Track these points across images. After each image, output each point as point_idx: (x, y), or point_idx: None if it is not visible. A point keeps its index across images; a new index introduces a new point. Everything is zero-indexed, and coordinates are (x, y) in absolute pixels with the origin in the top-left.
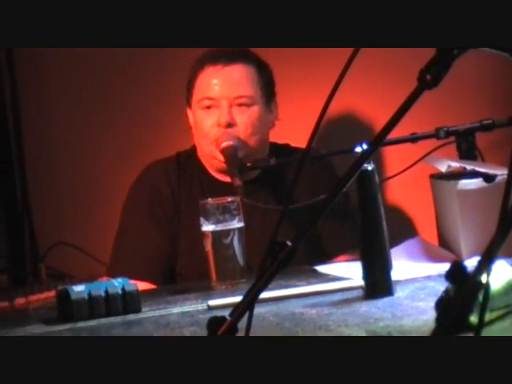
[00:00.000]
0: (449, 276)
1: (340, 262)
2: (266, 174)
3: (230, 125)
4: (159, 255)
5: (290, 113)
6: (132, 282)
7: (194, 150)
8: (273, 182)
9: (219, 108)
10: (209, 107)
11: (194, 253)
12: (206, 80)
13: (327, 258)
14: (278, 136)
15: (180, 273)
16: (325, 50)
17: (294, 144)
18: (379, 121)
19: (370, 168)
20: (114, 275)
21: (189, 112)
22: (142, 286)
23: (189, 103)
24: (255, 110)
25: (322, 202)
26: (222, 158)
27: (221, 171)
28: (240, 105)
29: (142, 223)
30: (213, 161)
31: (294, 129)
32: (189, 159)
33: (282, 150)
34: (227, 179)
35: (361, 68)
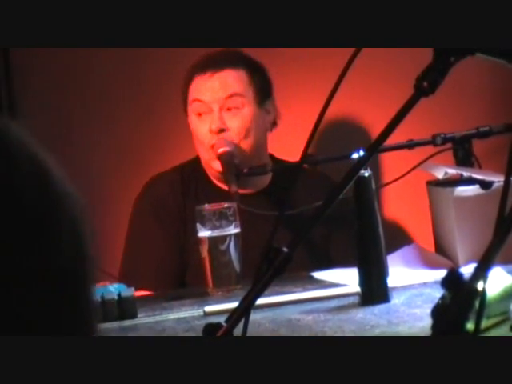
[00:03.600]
0: (445, 283)
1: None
2: (275, 185)
3: (221, 130)
4: (168, 266)
5: (287, 119)
6: (143, 292)
7: (197, 159)
8: (281, 193)
9: (211, 114)
10: (200, 114)
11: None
12: (196, 86)
13: (334, 266)
14: (275, 142)
15: (189, 282)
16: (322, 55)
17: (293, 153)
18: (376, 127)
19: (366, 174)
20: None
21: (189, 121)
22: None
23: (186, 112)
24: (247, 112)
25: (319, 208)
26: (218, 164)
27: (219, 179)
28: (230, 108)
29: (149, 235)
30: (210, 169)
31: (292, 135)
32: (193, 169)
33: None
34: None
35: (357, 73)
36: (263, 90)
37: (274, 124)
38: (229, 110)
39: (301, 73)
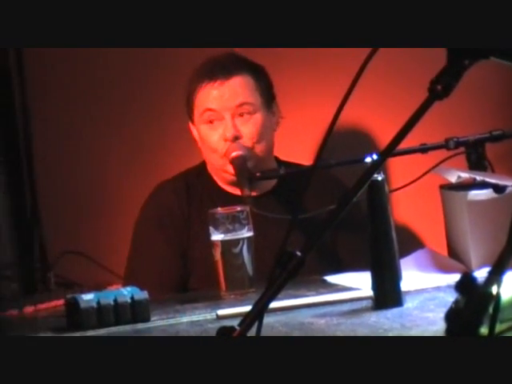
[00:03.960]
0: (459, 287)
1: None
2: (280, 187)
3: (236, 138)
4: (172, 273)
5: (291, 121)
6: None
7: (203, 165)
8: (286, 195)
9: (223, 121)
10: (212, 121)
11: (205, 268)
12: (205, 94)
13: (343, 269)
14: (282, 146)
15: (192, 288)
16: (329, 56)
17: (300, 155)
18: (388, 131)
19: (379, 178)
20: None
21: (192, 127)
22: None
23: (191, 118)
24: (258, 117)
25: (332, 212)
26: (232, 169)
27: (231, 184)
28: (242, 114)
29: (154, 242)
30: (223, 174)
31: (299, 138)
32: (198, 175)
33: (293, 168)
34: (238, 192)
35: (369, 78)
36: (268, 94)
37: (277, 124)
38: (241, 115)
39: (305, 74)
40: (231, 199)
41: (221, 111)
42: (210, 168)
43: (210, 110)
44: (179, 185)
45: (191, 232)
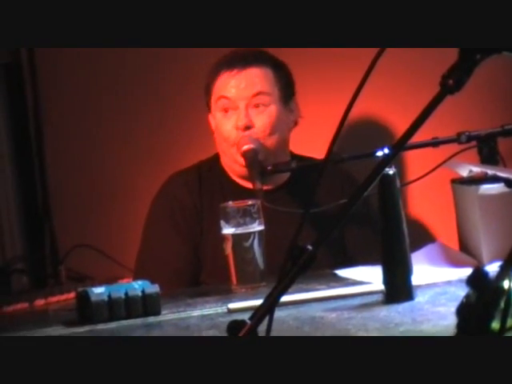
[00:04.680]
0: (470, 281)
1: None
2: (293, 181)
3: (247, 127)
4: (183, 266)
5: (310, 118)
6: None
7: (216, 157)
8: (299, 189)
9: (237, 110)
10: (226, 110)
11: (217, 262)
12: (222, 82)
13: (352, 263)
14: (298, 141)
15: (204, 282)
16: (343, 54)
17: (315, 150)
18: (399, 125)
19: (391, 172)
20: None
21: (210, 117)
22: None
23: (209, 108)
24: (273, 109)
25: (344, 206)
26: (243, 161)
27: (242, 176)
28: (257, 105)
29: (165, 235)
30: (234, 165)
31: (315, 134)
32: (211, 167)
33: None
34: (251, 185)
35: (380, 72)
36: (287, 89)
37: (295, 123)
38: (255, 106)
39: (319, 71)
40: (244, 193)
41: (236, 100)
42: (222, 161)
43: (225, 97)
44: (192, 177)
45: (203, 225)
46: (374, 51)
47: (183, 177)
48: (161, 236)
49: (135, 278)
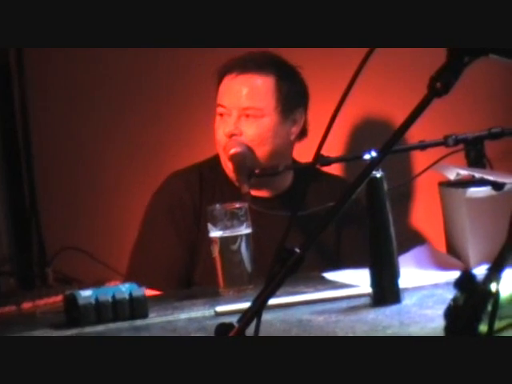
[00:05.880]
0: (458, 284)
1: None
2: (295, 188)
3: (232, 135)
4: (178, 266)
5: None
6: (149, 291)
7: (217, 158)
8: (295, 198)
9: (230, 117)
10: (221, 115)
11: (211, 263)
12: (223, 88)
13: (345, 267)
14: (302, 145)
15: (197, 281)
16: (335, 54)
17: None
18: (387, 128)
19: (378, 175)
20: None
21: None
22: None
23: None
24: (265, 121)
25: (331, 209)
26: (231, 166)
27: (233, 180)
28: (248, 116)
29: (162, 234)
30: (226, 169)
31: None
32: (211, 168)
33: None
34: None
35: (370, 74)
36: (291, 100)
37: (303, 134)
38: (247, 116)
39: (314, 73)
40: (241, 194)
41: (230, 109)
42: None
43: (221, 105)
44: (192, 176)
45: (201, 225)
46: (365, 50)
47: (184, 176)
48: (158, 231)
49: (128, 274)
